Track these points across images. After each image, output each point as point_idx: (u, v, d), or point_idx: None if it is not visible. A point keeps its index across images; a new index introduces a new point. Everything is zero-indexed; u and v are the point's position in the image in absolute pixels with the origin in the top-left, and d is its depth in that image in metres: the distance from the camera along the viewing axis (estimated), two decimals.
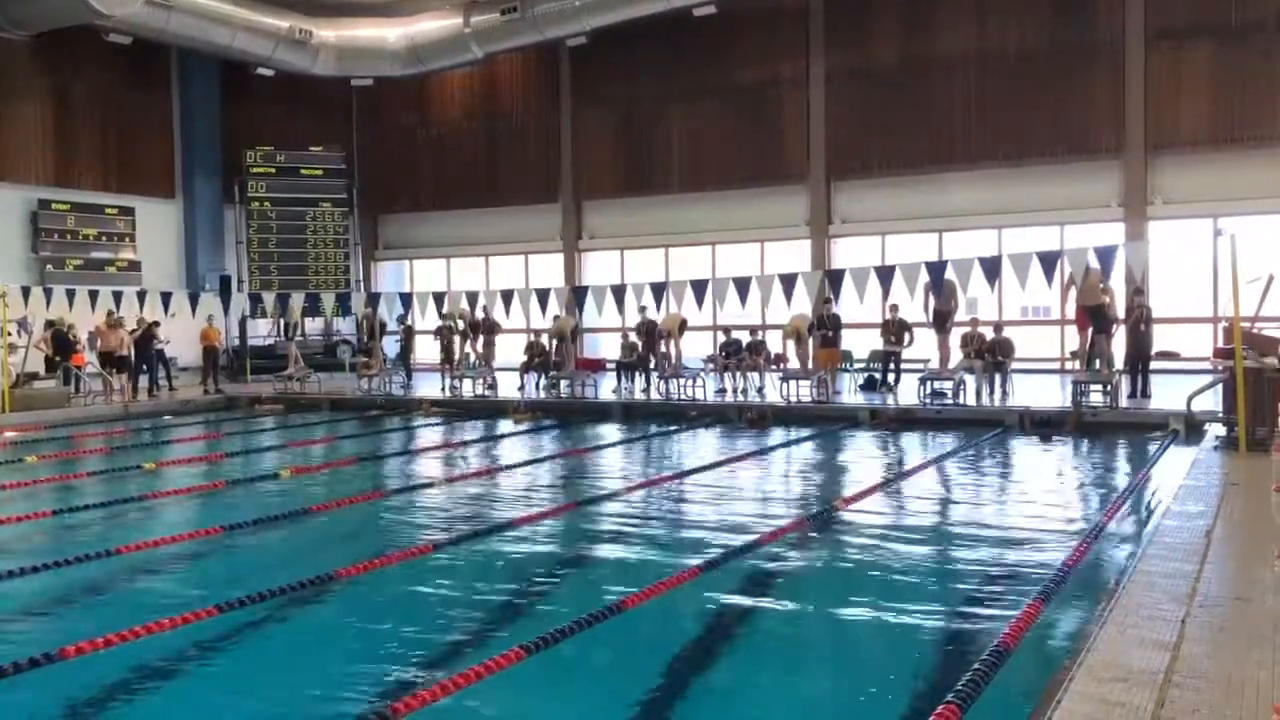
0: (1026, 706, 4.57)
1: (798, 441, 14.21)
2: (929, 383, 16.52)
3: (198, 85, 26.49)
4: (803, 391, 17.22)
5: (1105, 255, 13.54)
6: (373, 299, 22.91)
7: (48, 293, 20.11)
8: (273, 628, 6.25)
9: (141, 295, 20.61)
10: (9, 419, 17.22)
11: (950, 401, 16.09)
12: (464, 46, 24.99)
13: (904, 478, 11.19)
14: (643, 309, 19.60)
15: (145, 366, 20.75)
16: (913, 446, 13.65)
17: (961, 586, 6.87)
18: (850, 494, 10.06)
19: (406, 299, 21.27)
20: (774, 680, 5.41)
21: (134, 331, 20.32)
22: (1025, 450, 13.11)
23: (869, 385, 18.38)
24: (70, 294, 19.83)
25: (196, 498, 10.77)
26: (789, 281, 16.19)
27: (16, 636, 6.11)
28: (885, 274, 15.36)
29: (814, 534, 8.57)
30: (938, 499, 10.34)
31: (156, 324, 20.72)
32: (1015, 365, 17.12)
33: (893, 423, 15.45)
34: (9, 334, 18.82)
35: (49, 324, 20.39)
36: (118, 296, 20.21)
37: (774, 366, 18.79)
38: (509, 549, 8.15)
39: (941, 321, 17.40)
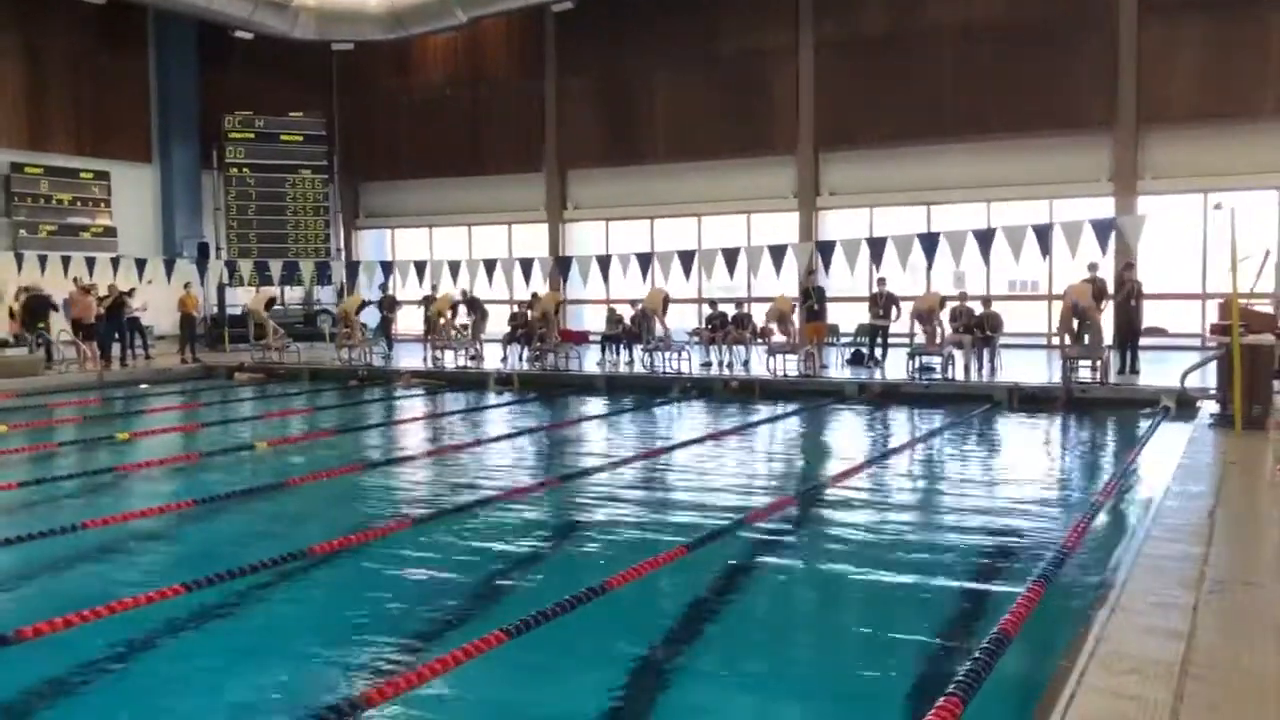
0: (1029, 697, 4.39)
1: (784, 416, 14.01)
2: (917, 357, 16.34)
3: (174, 48, 25.97)
4: (789, 365, 17.02)
5: (1101, 229, 13.34)
6: (351, 269, 22.52)
7: (19, 258, 19.66)
8: (243, 607, 6.00)
9: (116, 262, 20.20)
10: None
11: (938, 376, 15.91)
12: (447, 11, 24.48)
13: (892, 455, 11.00)
14: (635, 302, 19.40)
15: (118, 335, 20.32)
16: (901, 422, 13.46)
17: (955, 569, 6.68)
18: (838, 471, 9.86)
19: (387, 268, 20.93)
20: (761, 666, 5.21)
21: (104, 299, 19.89)
22: (1015, 427, 12.95)
23: (856, 359, 18.21)
24: (42, 260, 19.38)
25: (169, 470, 10.48)
26: (778, 253, 15.96)
27: None
28: (877, 246, 15.14)
29: (800, 513, 8.37)
30: (927, 477, 10.15)
31: (129, 292, 20.30)
32: (1003, 340, 16.96)
33: (880, 398, 15.26)
34: None
35: (22, 290, 19.95)
36: (91, 263, 19.80)
37: (759, 340, 18.57)
38: (489, 525, 7.92)
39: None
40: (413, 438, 12.91)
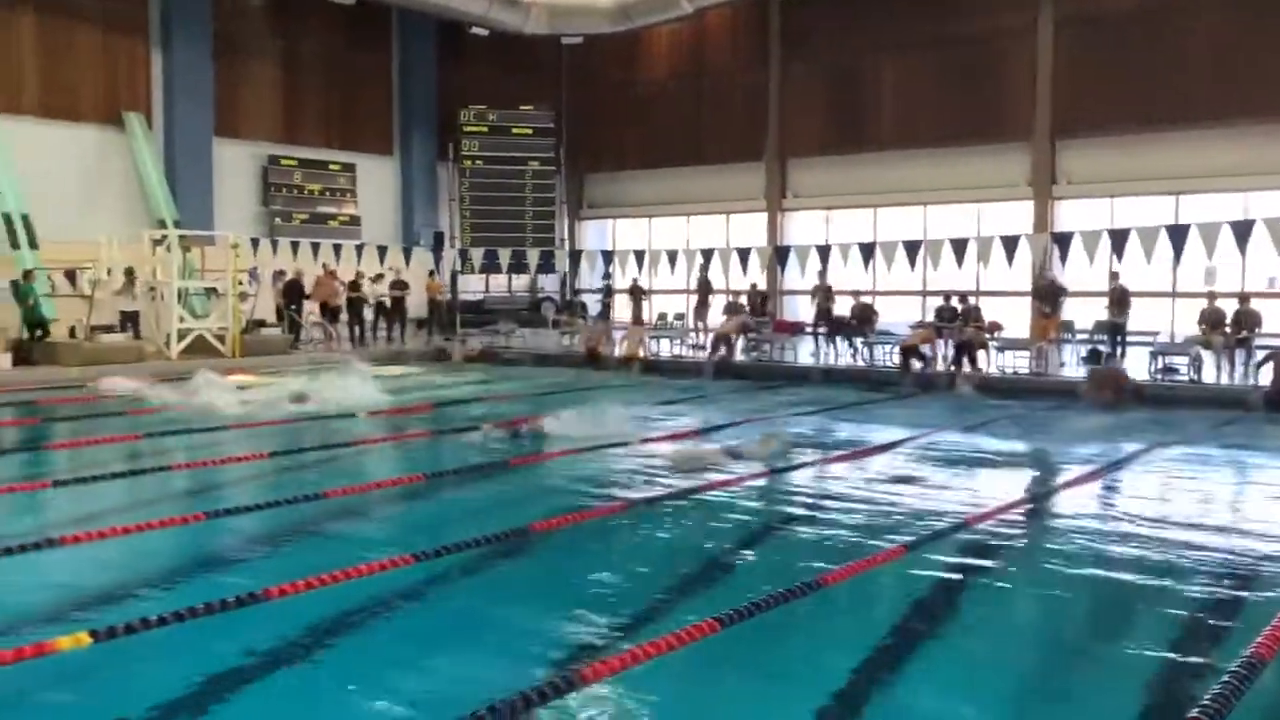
0: None
1: (1011, 415, 13.38)
2: (1160, 357, 15.28)
3: (415, 45, 27.29)
4: (1020, 362, 16.29)
5: None
6: (574, 259, 23.14)
7: (274, 245, 21.20)
8: (465, 580, 6.22)
9: (360, 249, 21.48)
10: (239, 363, 18.26)
11: (1184, 378, 14.82)
12: (674, 2, 24.69)
13: (1131, 460, 10.29)
14: (857, 293, 19.43)
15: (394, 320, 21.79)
16: (1140, 426, 12.57)
17: (1200, 583, 6.16)
18: (1069, 475, 9.33)
19: (608, 257, 21.40)
20: (976, 678, 4.93)
21: (380, 278, 21.35)
22: (1271, 435, 11.89)
23: (1092, 357, 17.18)
24: (294, 246, 20.82)
25: (402, 445, 11.03)
26: (1010, 244, 15.23)
27: (228, 573, 6.31)
28: (1119, 238, 14.22)
29: (1027, 516, 7.96)
30: (1169, 485, 9.44)
31: (402, 284, 21.78)
32: (1261, 340, 15.63)
33: (1115, 399, 14.30)
34: (240, 283, 19.94)
35: (278, 274, 21.54)
36: (337, 249, 21.13)
37: (991, 335, 17.81)
38: (703, 514, 7.92)
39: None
40: (629, 423, 12.93)
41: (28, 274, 17.85)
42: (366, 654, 5.06)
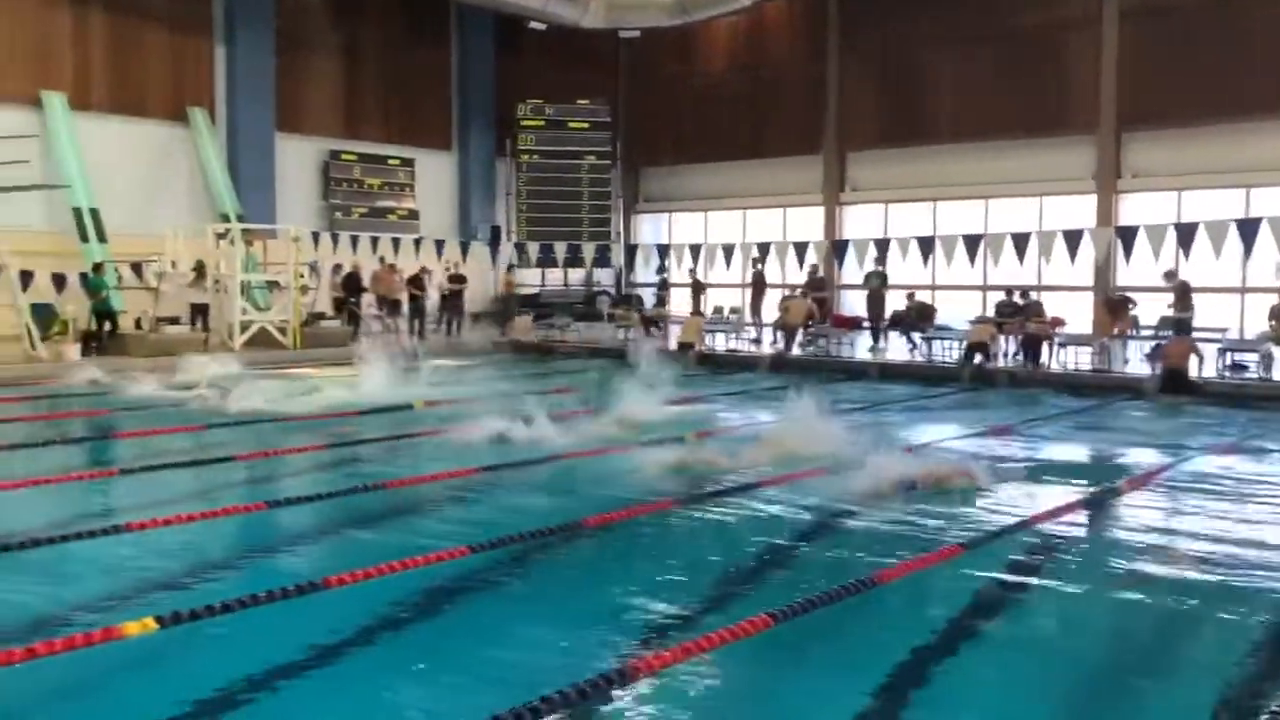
0: None
1: (1072, 412, 13.16)
2: (1228, 354, 14.93)
3: (474, 40, 27.47)
4: (1083, 358, 16.02)
5: None
6: (629, 253, 23.19)
7: (334, 238, 21.48)
8: (519, 573, 6.26)
9: (418, 243, 21.69)
10: (299, 355, 18.53)
11: (1254, 375, 14.46)
12: None
13: (1196, 459, 10.04)
14: (911, 294, 19.21)
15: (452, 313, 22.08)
16: (1208, 424, 12.29)
17: (1265, 594, 5.98)
18: (1131, 477, 9.14)
19: (663, 251, 21.38)
20: (1028, 685, 4.84)
21: (451, 272, 21.65)
22: None
23: (1156, 354, 16.84)
24: (354, 240, 21.06)
25: (457, 438, 11.11)
26: (1073, 239, 14.96)
27: (286, 562, 6.42)
28: (1185, 232, 13.91)
29: (1090, 517, 7.82)
30: (1235, 486, 9.15)
31: (460, 277, 22.00)
32: None
33: (1181, 395, 14.01)
34: (301, 276, 20.23)
35: (336, 268, 21.83)
36: (396, 243, 21.37)
37: (1054, 330, 17.53)
38: (758, 510, 7.87)
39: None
40: (686, 418, 12.91)
41: (98, 267, 18.25)
42: (419, 644, 5.11)
